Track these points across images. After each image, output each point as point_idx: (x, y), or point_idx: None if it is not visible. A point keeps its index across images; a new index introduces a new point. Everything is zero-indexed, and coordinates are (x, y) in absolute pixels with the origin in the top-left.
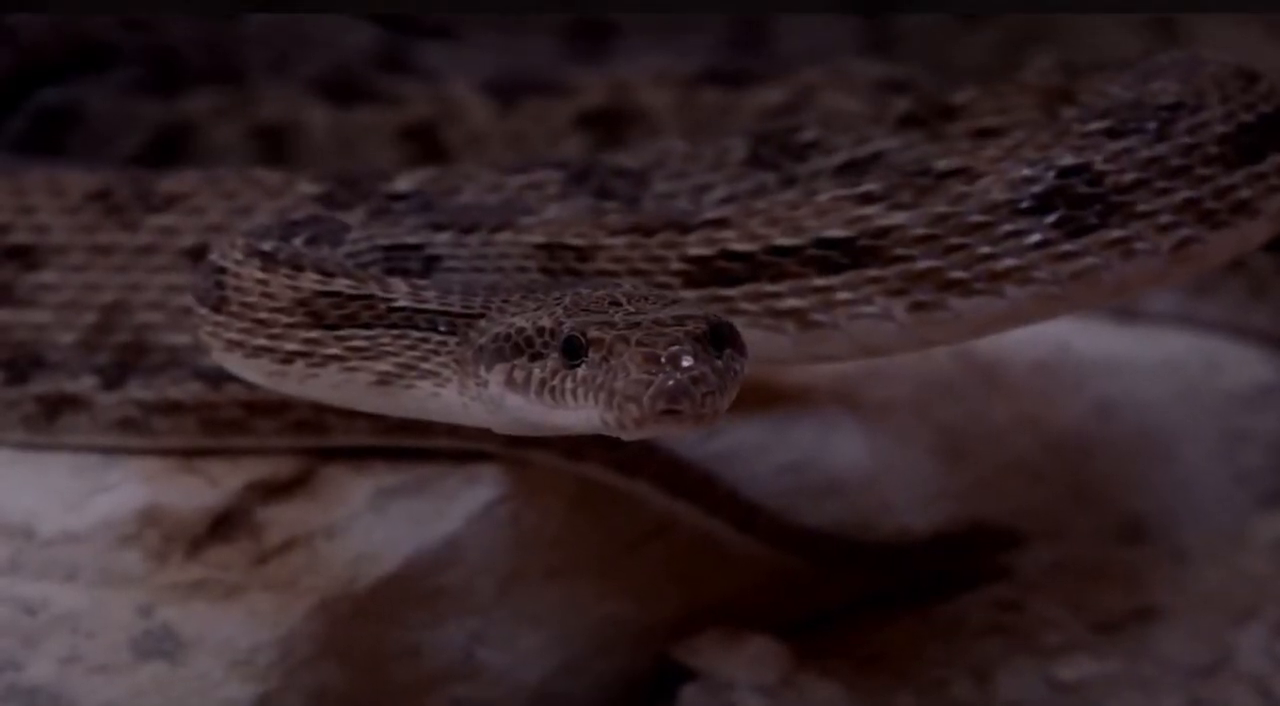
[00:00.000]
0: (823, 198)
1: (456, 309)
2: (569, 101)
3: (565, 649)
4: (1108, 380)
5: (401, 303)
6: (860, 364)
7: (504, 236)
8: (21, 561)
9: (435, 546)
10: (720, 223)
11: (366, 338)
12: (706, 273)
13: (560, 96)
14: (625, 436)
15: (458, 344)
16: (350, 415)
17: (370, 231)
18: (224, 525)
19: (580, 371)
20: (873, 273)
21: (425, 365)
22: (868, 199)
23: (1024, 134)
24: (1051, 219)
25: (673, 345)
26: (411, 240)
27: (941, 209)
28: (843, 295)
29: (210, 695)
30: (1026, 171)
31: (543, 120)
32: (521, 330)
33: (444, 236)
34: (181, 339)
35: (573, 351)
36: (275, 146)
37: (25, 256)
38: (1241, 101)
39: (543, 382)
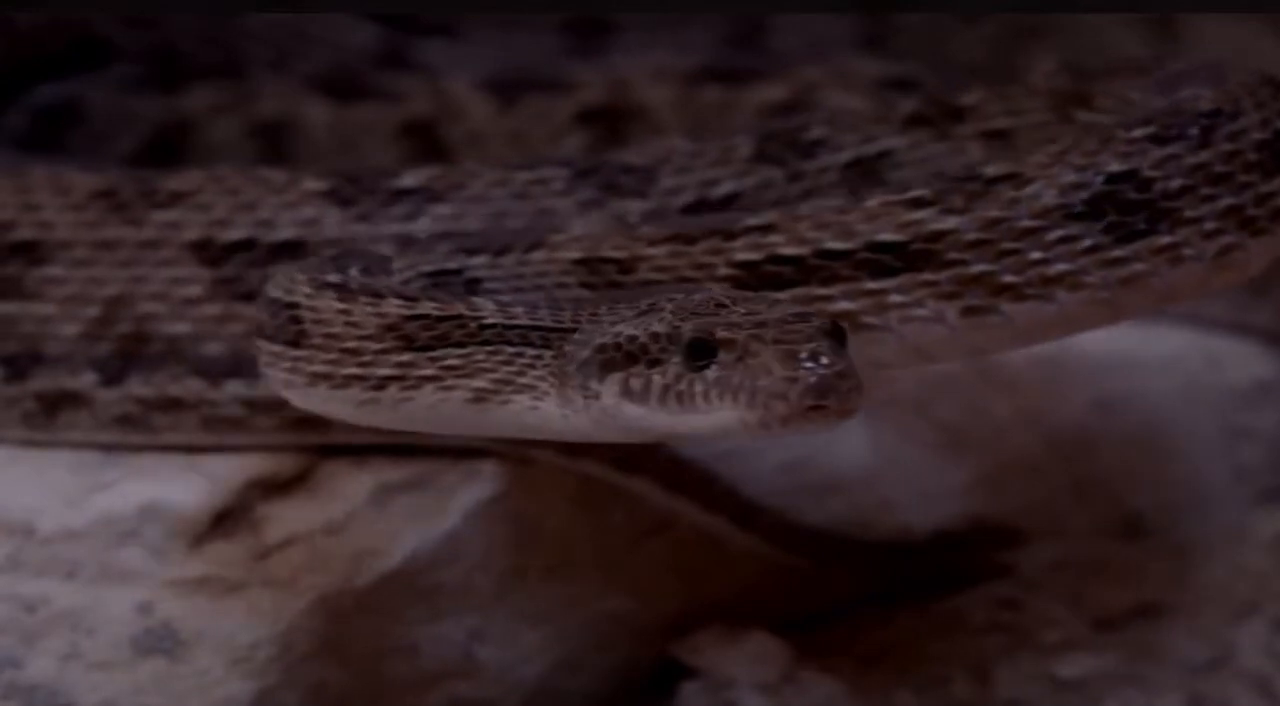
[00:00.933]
0: (872, 202)
1: (548, 323)
2: (569, 99)
3: (564, 646)
4: (1108, 376)
5: (491, 319)
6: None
7: (539, 255)
8: (21, 559)
9: (435, 543)
10: (766, 228)
11: (460, 356)
12: (754, 277)
13: (560, 94)
14: (766, 436)
15: (554, 357)
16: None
17: (411, 260)
18: (224, 522)
19: (711, 373)
20: (926, 276)
21: (521, 380)
22: (918, 203)
23: (1069, 140)
24: (1101, 225)
25: (810, 341)
26: (451, 265)
27: (994, 213)
28: (895, 298)
29: (210, 691)
30: (1076, 177)
31: (543, 118)
32: (633, 338)
33: (480, 260)
34: (182, 329)
35: (699, 353)
36: (274, 143)
37: (31, 252)
38: (1275, 108)
39: (666, 389)
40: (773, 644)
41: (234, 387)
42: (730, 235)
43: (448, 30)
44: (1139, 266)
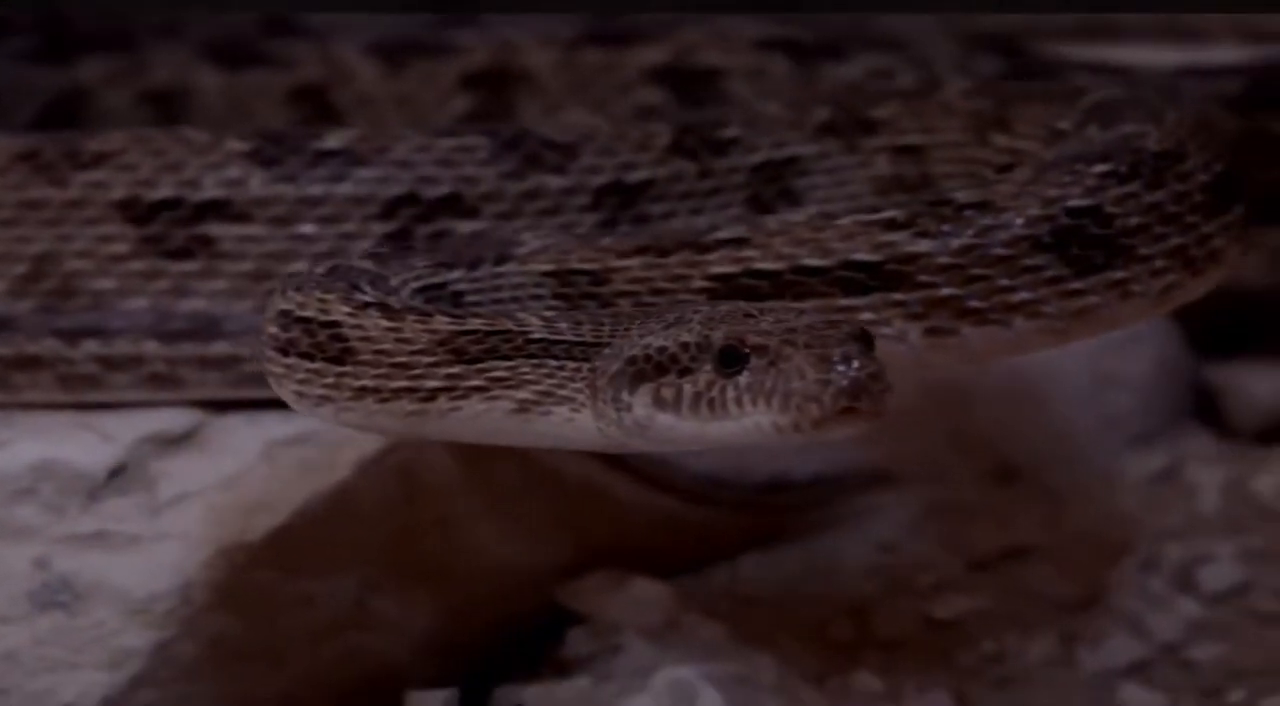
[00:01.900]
0: (845, 221)
1: (588, 338)
2: (454, 63)
3: (456, 595)
4: None
5: (537, 334)
6: None
7: (509, 267)
8: None
9: (326, 496)
10: (740, 242)
11: (507, 368)
12: (730, 290)
13: (446, 58)
14: (798, 440)
15: (589, 371)
16: (203, 366)
17: (404, 276)
18: (119, 478)
19: (743, 379)
20: (897, 296)
21: (562, 392)
22: (891, 225)
23: (1031, 171)
24: (1064, 256)
25: (841, 345)
26: (436, 280)
27: (968, 240)
28: (865, 316)
29: (108, 643)
30: (1045, 209)
31: (429, 81)
32: (663, 349)
33: (457, 273)
34: (108, 285)
35: (731, 360)
36: (167, 111)
37: None
38: (1212, 152)
39: (698, 397)
40: (656, 589)
41: (90, 347)
42: (703, 248)
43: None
44: (1093, 299)
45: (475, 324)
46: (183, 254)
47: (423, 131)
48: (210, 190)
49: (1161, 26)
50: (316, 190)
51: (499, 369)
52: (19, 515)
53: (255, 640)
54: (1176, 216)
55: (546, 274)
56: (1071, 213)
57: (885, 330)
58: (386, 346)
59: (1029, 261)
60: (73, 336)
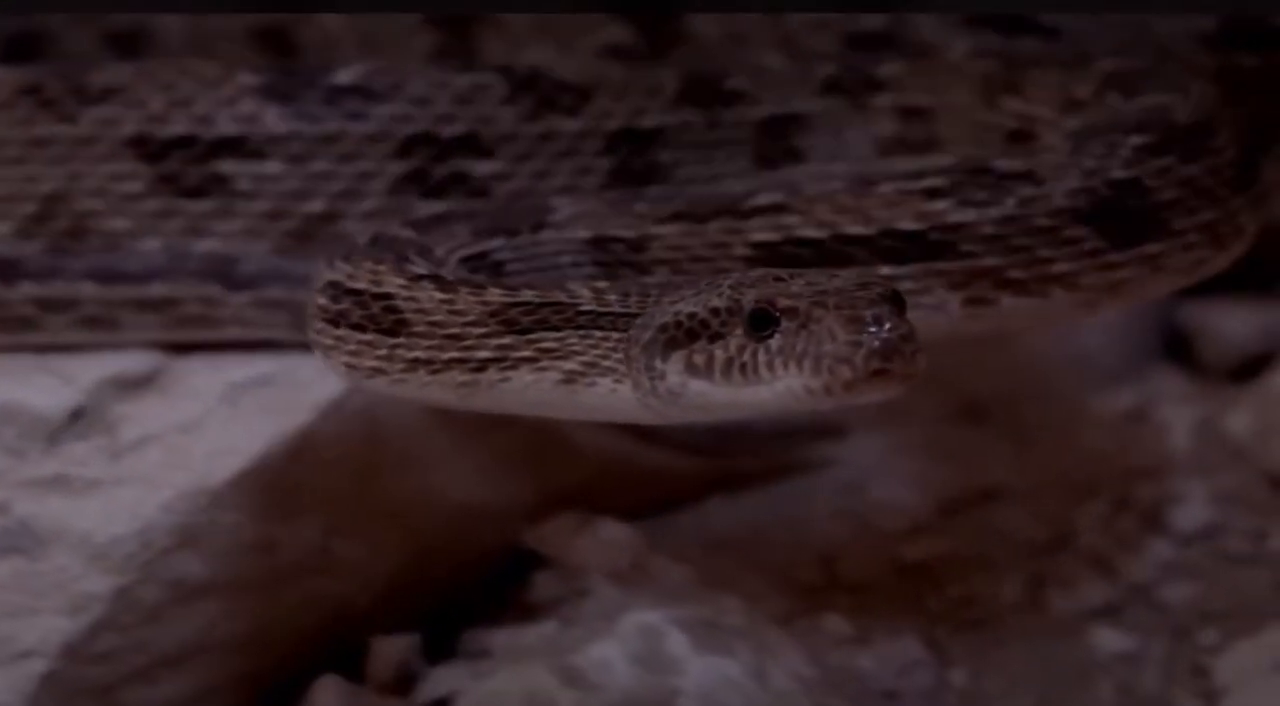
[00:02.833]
0: (886, 188)
1: (634, 309)
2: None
3: (419, 538)
4: None
5: (587, 306)
6: None
7: (547, 234)
8: None
9: (289, 439)
10: (779, 208)
11: (556, 339)
12: (772, 258)
13: None
14: (830, 403)
15: (621, 341)
16: (140, 309)
17: (449, 245)
18: (79, 422)
19: (774, 342)
20: (939, 266)
21: (605, 362)
22: (933, 193)
23: (1069, 142)
24: (1103, 229)
25: (872, 307)
26: (478, 249)
27: (1010, 210)
28: (906, 285)
29: (69, 588)
30: (1086, 181)
31: (393, 18)
32: (693, 314)
33: (498, 241)
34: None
35: (762, 323)
36: (129, 51)
37: None
38: (1237, 125)
39: (730, 361)
40: (623, 532)
41: (26, 288)
42: (741, 214)
43: None
44: (1127, 273)
45: (528, 295)
46: (198, 192)
47: (437, 67)
48: (226, 127)
49: None
50: (333, 127)
51: (548, 340)
52: None
53: (217, 584)
54: (1209, 191)
55: (586, 241)
56: (1112, 185)
57: (925, 299)
58: (440, 318)
59: (1069, 233)
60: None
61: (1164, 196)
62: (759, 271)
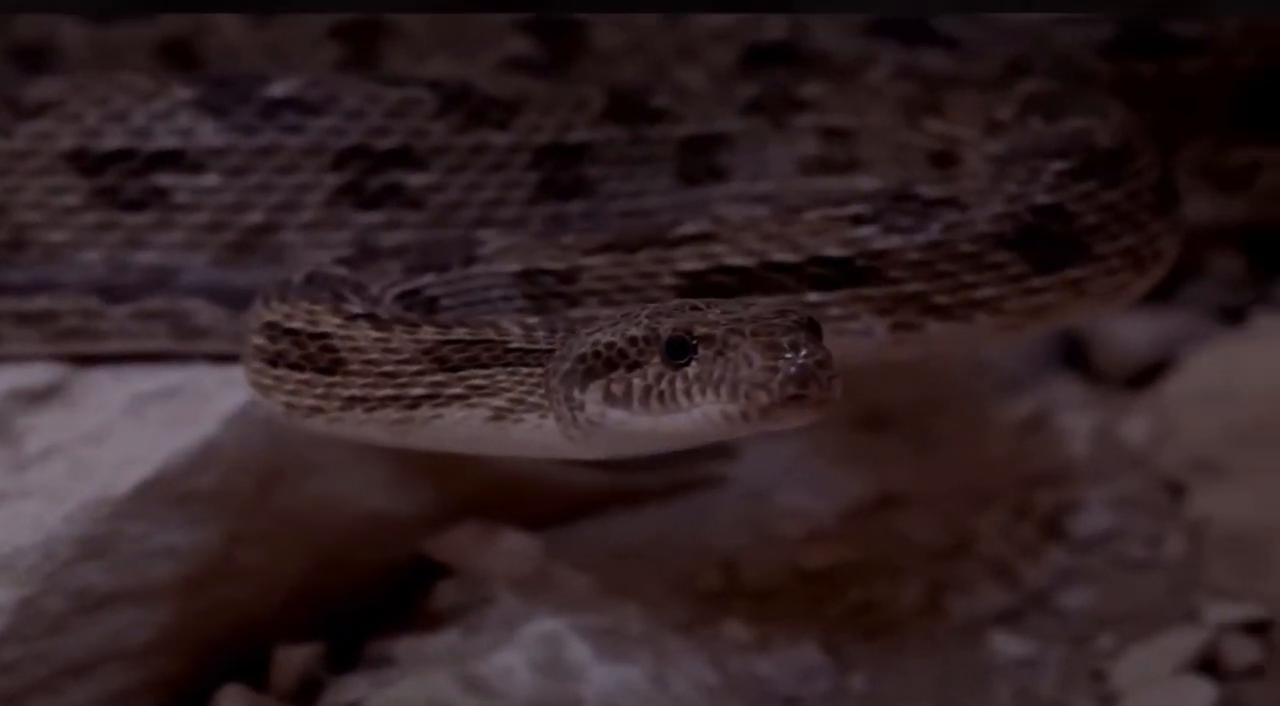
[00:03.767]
0: (813, 216)
1: (560, 345)
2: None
3: (323, 547)
4: None
5: (516, 344)
6: None
7: (478, 269)
8: None
9: (193, 449)
10: (706, 237)
11: (485, 376)
12: (699, 287)
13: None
14: (748, 429)
15: (544, 375)
16: (19, 322)
17: (383, 284)
18: None
19: (691, 370)
20: (866, 292)
21: (531, 398)
22: (859, 220)
23: (992, 167)
24: (1027, 254)
25: (788, 333)
26: (411, 286)
27: (935, 236)
28: (833, 312)
29: None
30: (1010, 206)
31: (297, 32)
32: (611, 344)
33: (429, 277)
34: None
35: (679, 351)
36: (35, 65)
37: None
38: (1158, 153)
39: (648, 390)
40: (525, 541)
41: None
42: (669, 244)
43: None
44: (1050, 297)
45: (460, 333)
46: (137, 205)
47: (370, 80)
48: (162, 140)
49: None
50: (267, 140)
51: (478, 377)
52: None
53: (121, 594)
54: (1130, 215)
55: (516, 274)
56: (1035, 211)
57: (852, 325)
58: (375, 356)
59: (994, 258)
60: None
61: (1087, 221)
62: (676, 302)
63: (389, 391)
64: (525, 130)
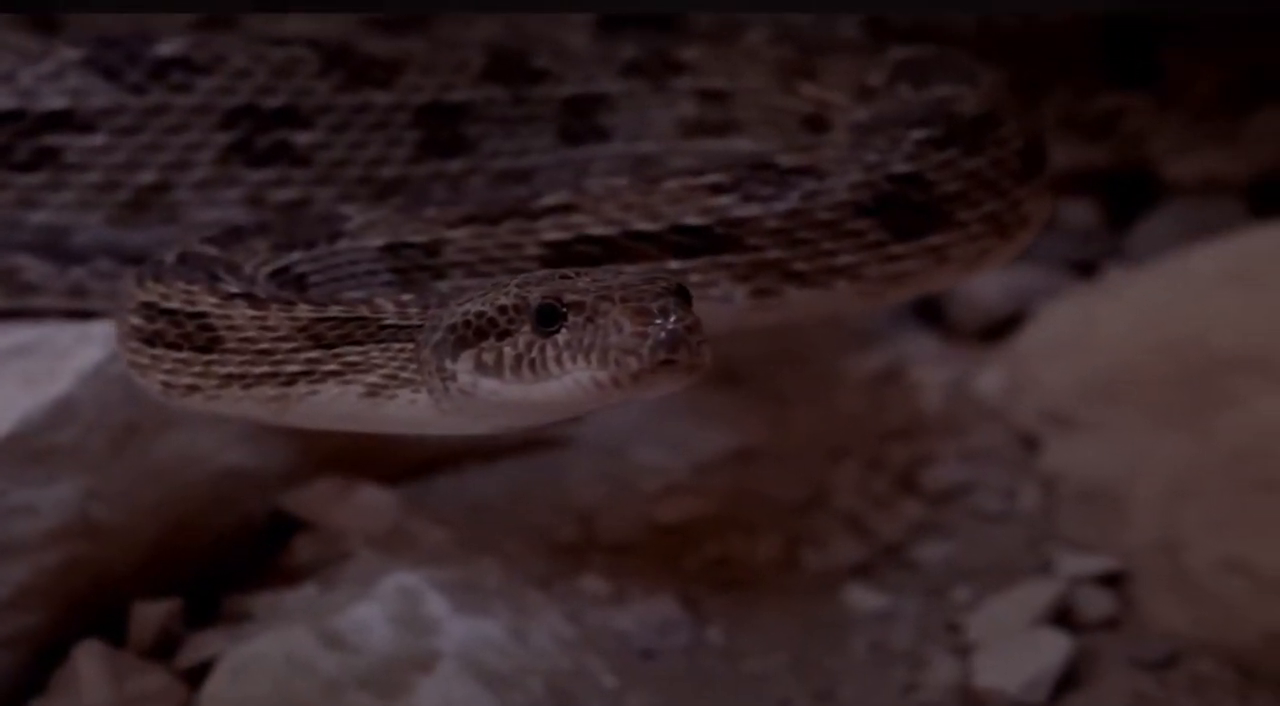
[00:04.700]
0: (671, 184)
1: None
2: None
3: (180, 503)
4: None
5: (390, 321)
6: None
7: (343, 244)
8: None
9: (49, 406)
10: (568, 208)
11: (360, 352)
12: (564, 256)
13: None
14: (619, 395)
15: (415, 349)
16: None
17: (253, 262)
18: None
19: (561, 337)
20: (725, 259)
21: (404, 374)
22: (718, 189)
23: (852, 135)
24: (886, 222)
25: (658, 299)
26: (281, 264)
27: (793, 205)
28: (693, 279)
29: None
30: (868, 175)
31: None
32: (481, 313)
33: (296, 254)
34: None
35: (548, 319)
36: None
37: None
38: (1024, 118)
39: (519, 358)
40: (382, 496)
41: None
42: (532, 215)
43: None
44: (911, 264)
45: (334, 310)
46: (29, 166)
47: (258, 40)
48: (51, 101)
49: None
50: (155, 100)
51: (352, 354)
52: None
53: None
54: (992, 182)
55: (381, 248)
56: (894, 179)
57: (712, 292)
58: (251, 334)
59: (852, 226)
60: None
61: (947, 189)
62: (547, 271)
63: (265, 368)
64: (406, 89)
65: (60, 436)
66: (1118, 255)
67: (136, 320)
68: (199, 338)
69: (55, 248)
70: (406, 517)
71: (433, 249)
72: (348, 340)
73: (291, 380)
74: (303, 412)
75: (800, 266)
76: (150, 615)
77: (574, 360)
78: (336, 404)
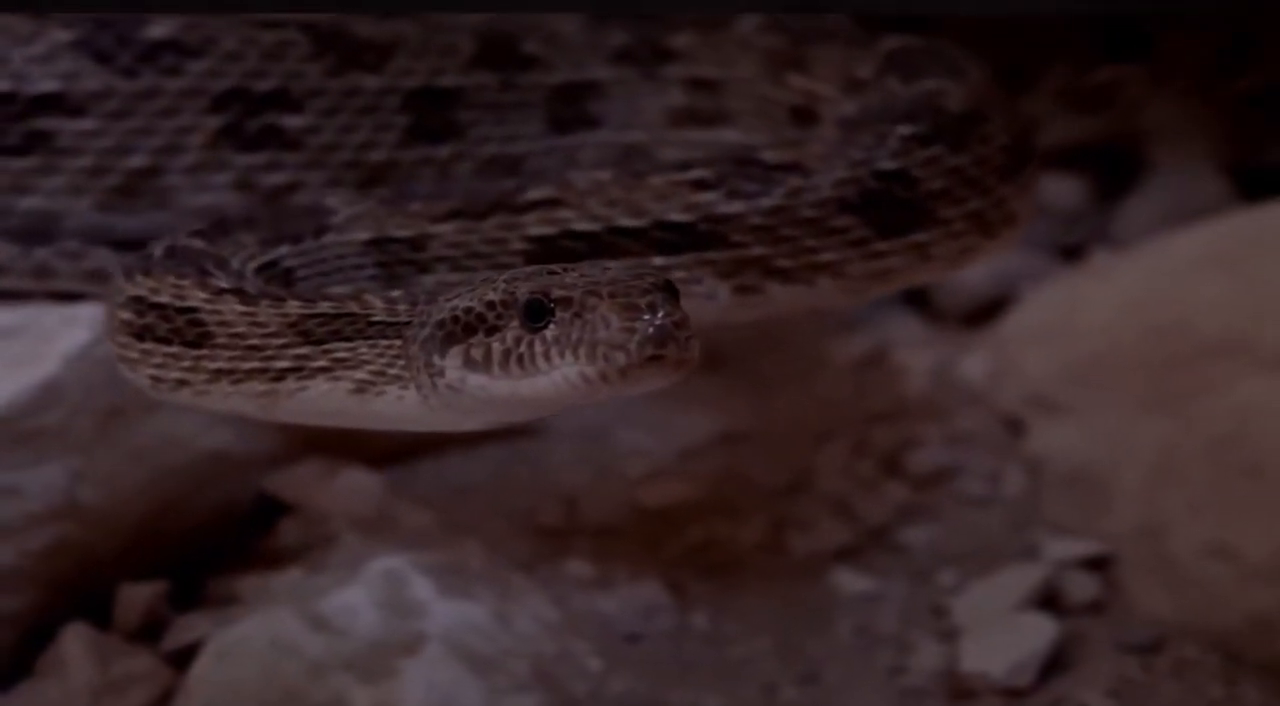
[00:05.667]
0: (656, 180)
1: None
2: None
3: (166, 485)
4: None
5: (378, 317)
6: None
7: (329, 238)
8: None
9: (35, 388)
10: (553, 202)
11: (348, 348)
12: (549, 252)
13: None
14: (608, 391)
15: (403, 345)
16: None
17: (241, 256)
18: None
19: (550, 332)
20: (709, 255)
21: (391, 371)
22: (702, 185)
23: (839, 131)
24: (869, 219)
25: (645, 295)
26: (269, 258)
27: (778, 201)
28: (678, 275)
29: None
30: (853, 172)
31: None
32: (470, 309)
33: (283, 249)
34: None
35: (537, 314)
36: None
37: None
38: (1009, 111)
39: (507, 353)
40: (367, 479)
41: None
42: (517, 209)
43: None
44: (893, 261)
45: (324, 307)
46: (20, 150)
47: (249, 23)
48: (42, 83)
49: None
50: (148, 83)
51: (341, 350)
52: None
53: None
54: (977, 180)
55: (366, 243)
56: (879, 176)
57: (697, 288)
58: (241, 329)
59: (836, 223)
60: None
61: (932, 186)
62: (534, 267)
63: (255, 364)
64: (396, 73)
65: (46, 419)
66: (1103, 239)
67: (126, 314)
68: (189, 332)
69: (15, 230)
70: (391, 501)
71: (418, 244)
72: (337, 336)
73: (280, 376)
74: (291, 408)
75: (784, 263)
76: (136, 598)
77: (561, 355)
78: (325, 400)
